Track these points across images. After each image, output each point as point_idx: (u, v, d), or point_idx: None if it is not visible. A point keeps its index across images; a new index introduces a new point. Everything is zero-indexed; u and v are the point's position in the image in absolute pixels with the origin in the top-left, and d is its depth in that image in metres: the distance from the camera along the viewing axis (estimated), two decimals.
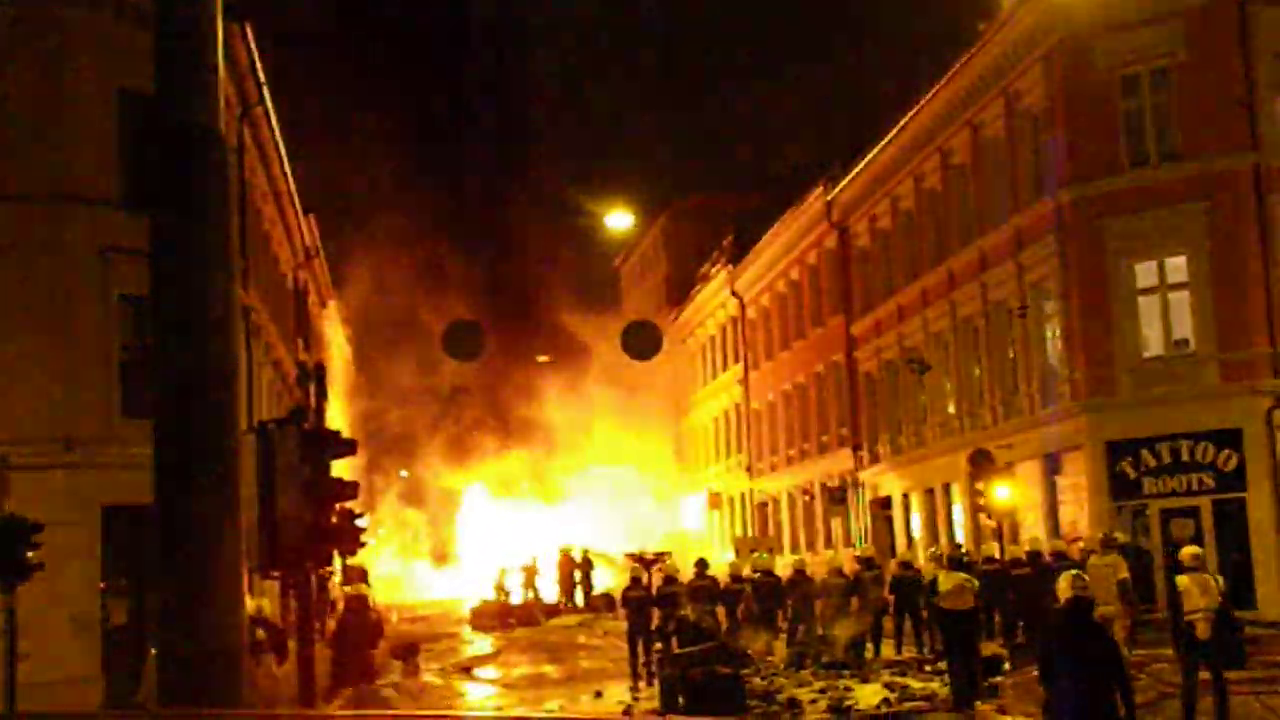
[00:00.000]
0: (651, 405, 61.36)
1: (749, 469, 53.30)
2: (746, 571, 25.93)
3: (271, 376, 33.14)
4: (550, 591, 43.76)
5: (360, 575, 34.53)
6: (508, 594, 42.78)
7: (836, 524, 42.93)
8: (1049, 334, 29.75)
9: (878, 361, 39.79)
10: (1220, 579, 14.80)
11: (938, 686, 18.91)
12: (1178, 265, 27.08)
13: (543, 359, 49.92)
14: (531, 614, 38.71)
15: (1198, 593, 14.31)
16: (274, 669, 16.06)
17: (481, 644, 32.86)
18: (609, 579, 45.99)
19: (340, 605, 21.31)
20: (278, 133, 31.92)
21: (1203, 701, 14.82)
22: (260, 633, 15.10)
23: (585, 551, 45.69)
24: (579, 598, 42.86)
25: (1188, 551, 15.27)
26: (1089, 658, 10.55)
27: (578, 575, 43.99)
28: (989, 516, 27.66)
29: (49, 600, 20.00)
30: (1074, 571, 11.90)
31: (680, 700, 18.21)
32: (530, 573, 43.92)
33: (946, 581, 18.59)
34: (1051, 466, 29.35)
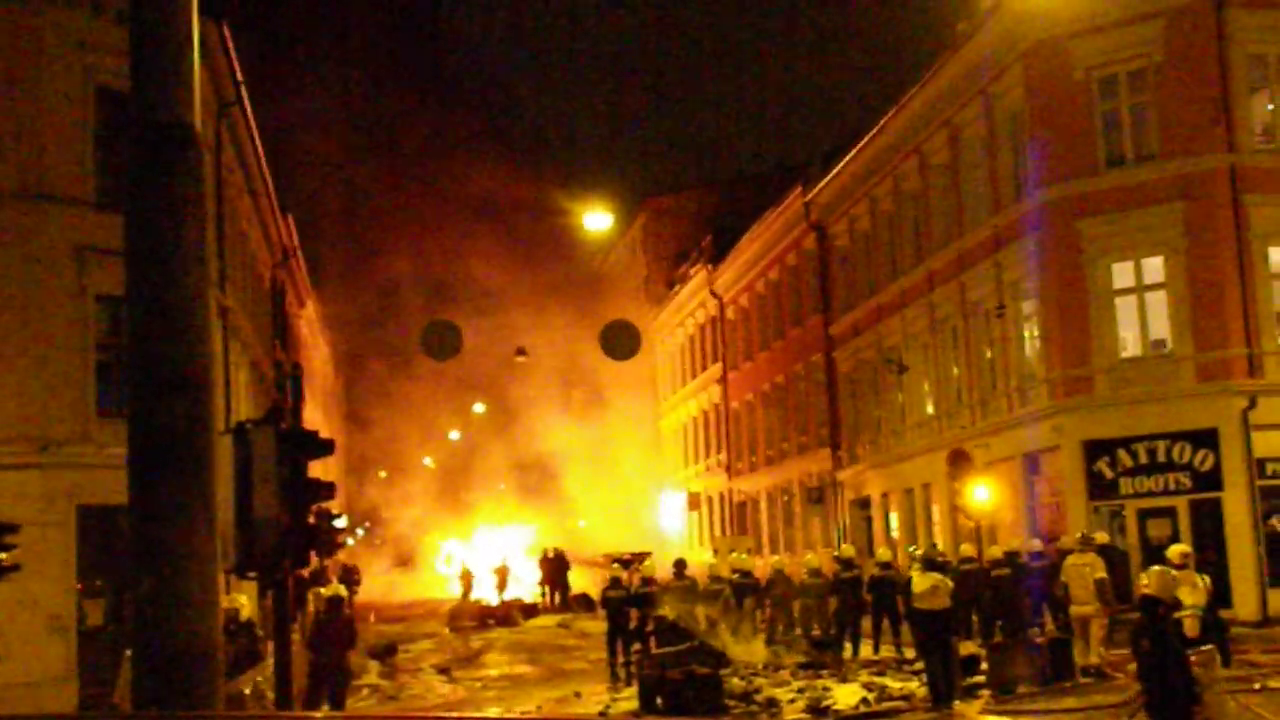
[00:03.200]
0: (630, 405, 61.38)
1: (728, 469, 53.34)
2: (725, 572, 25.93)
3: (248, 376, 33.01)
4: (527, 592, 43.84)
5: (346, 575, 34.46)
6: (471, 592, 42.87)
7: (815, 524, 42.99)
8: (1027, 334, 29.85)
9: (856, 362, 39.86)
10: (1207, 578, 14.77)
11: (916, 686, 18.94)
12: (1154, 266, 27.20)
13: (520, 358, 49.83)
14: (510, 614, 38.68)
15: (1186, 591, 14.29)
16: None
17: (460, 645, 32.79)
18: (582, 579, 46.13)
19: (313, 607, 21.22)
20: (255, 132, 31.80)
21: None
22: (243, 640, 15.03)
23: (560, 551, 45.80)
24: (555, 598, 42.95)
25: (1176, 550, 15.23)
26: (1146, 652, 12.18)
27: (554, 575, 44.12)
28: (967, 516, 27.72)
29: (24, 601, 19.91)
30: (1156, 569, 12.37)
31: (659, 700, 18.21)
32: (502, 574, 43.95)
33: (921, 582, 18.60)
34: (1029, 466, 29.45)
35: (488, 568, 46.45)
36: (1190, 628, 14.21)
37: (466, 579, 44.02)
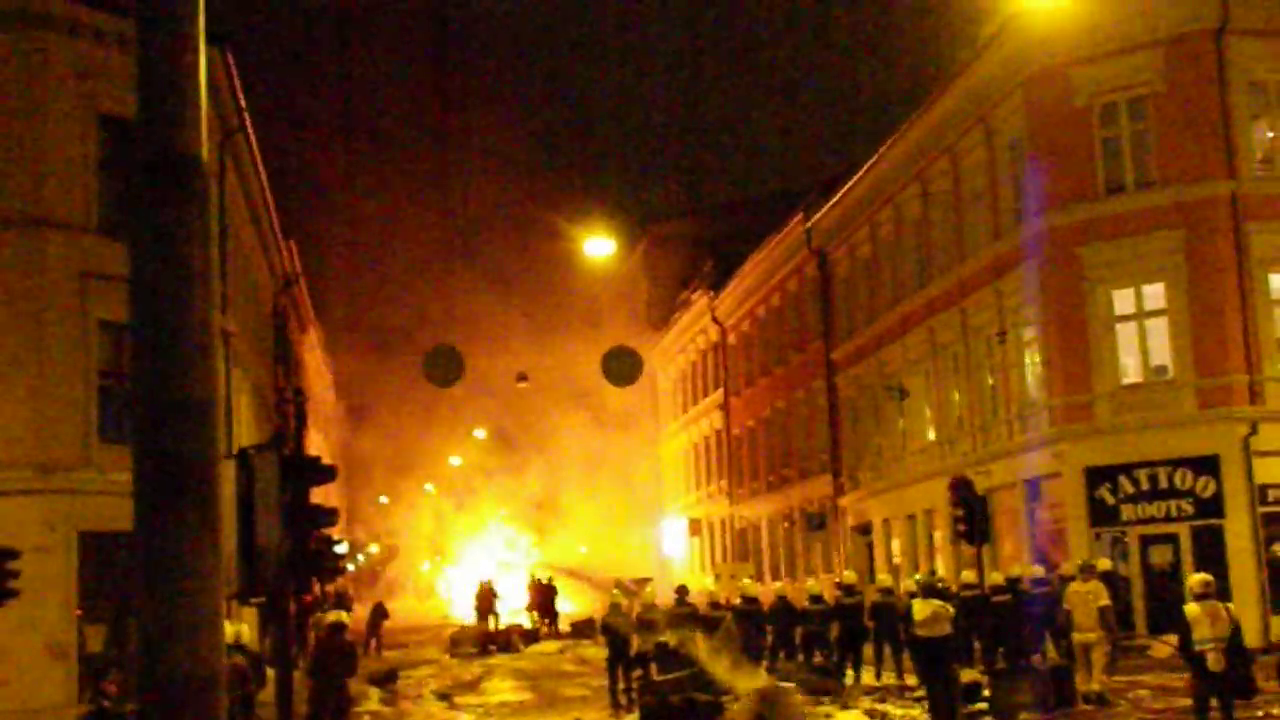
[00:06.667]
0: (631, 431, 61.36)
1: (729, 495, 53.29)
2: (733, 598, 25.88)
3: (251, 402, 33.03)
4: (511, 617, 43.45)
5: (340, 601, 34.37)
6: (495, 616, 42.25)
7: (817, 550, 42.91)
8: (1028, 360, 29.85)
9: (858, 388, 39.86)
10: (1230, 608, 14.62)
11: (918, 713, 18.90)
12: (1155, 292, 27.24)
13: (522, 384, 49.86)
14: (510, 640, 38.57)
15: (1208, 622, 14.13)
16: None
17: (461, 671, 32.70)
18: (575, 603, 45.94)
19: (314, 633, 21.21)
20: (258, 158, 31.89)
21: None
22: (240, 659, 15.01)
23: (550, 577, 45.64)
24: (545, 623, 42.62)
25: (1197, 579, 14.99)
26: None
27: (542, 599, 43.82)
28: (969, 543, 27.67)
29: (24, 627, 19.90)
30: None
31: None
32: (486, 598, 43.00)
33: (922, 609, 18.55)
34: (1031, 493, 29.42)
35: (474, 591, 45.81)
36: (1214, 661, 14.09)
37: (485, 599, 42.87)
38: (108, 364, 22.27)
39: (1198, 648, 14.15)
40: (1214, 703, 14.33)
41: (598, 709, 23.19)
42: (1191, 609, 14.33)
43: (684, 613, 24.79)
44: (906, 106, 34.85)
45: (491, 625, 40.96)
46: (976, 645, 23.18)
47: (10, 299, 21.71)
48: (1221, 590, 24.38)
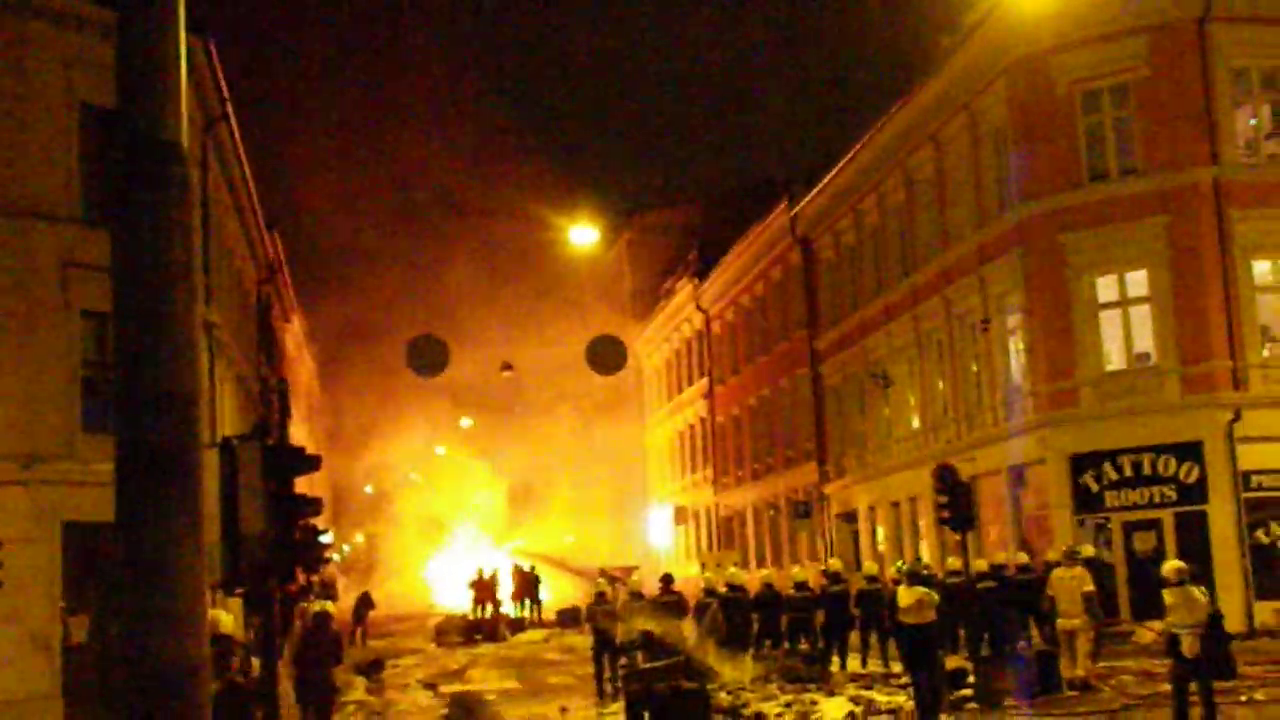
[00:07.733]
0: (616, 419, 61.38)
1: (714, 483, 53.34)
2: (719, 587, 25.92)
3: (234, 391, 32.92)
4: (506, 606, 43.49)
5: (325, 590, 34.35)
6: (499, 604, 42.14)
7: (802, 538, 42.98)
8: (1011, 348, 29.92)
9: (842, 376, 39.90)
10: (1206, 593, 14.71)
11: (903, 700, 18.94)
12: (1138, 279, 27.30)
13: (507, 373, 49.83)
14: (496, 629, 38.61)
15: (1184, 610, 14.23)
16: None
17: (447, 660, 32.72)
18: (559, 592, 45.93)
19: (299, 623, 21.16)
20: (241, 147, 31.74)
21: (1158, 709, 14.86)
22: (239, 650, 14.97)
23: (533, 565, 45.70)
24: (528, 612, 42.66)
25: (1170, 566, 15.06)
26: None
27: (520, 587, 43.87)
28: (953, 530, 27.73)
29: (8, 618, 19.85)
30: None
31: (645, 715, 18.16)
32: (488, 586, 43.01)
33: (906, 596, 18.57)
34: (1015, 480, 29.49)
35: (466, 580, 45.82)
36: (1189, 646, 14.16)
37: (485, 588, 42.57)
38: (91, 354, 22.14)
39: (1172, 632, 14.23)
40: (1193, 687, 14.40)
41: (583, 697, 23.23)
42: (1168, 595, 14.43)
43: (669, 601, 24.81)
44: (890, 94, 34.86)
45: (487, 613, 41.00)
46: (961, 632, 23.24)
47: None
48: (1205, 576, 24.61)
